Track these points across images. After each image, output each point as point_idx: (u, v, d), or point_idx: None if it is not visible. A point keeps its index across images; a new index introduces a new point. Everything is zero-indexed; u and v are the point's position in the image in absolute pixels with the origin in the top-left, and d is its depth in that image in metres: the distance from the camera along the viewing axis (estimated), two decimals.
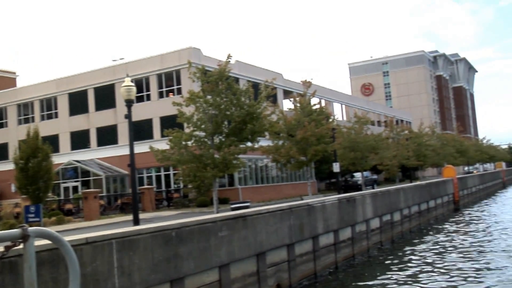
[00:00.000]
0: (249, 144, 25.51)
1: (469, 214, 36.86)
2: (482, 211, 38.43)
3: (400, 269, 17.50)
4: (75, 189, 46.95)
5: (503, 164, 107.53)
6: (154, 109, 47.59)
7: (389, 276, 16.54)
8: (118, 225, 23.48)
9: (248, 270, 13.07)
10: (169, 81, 48.03)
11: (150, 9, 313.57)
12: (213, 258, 11.65)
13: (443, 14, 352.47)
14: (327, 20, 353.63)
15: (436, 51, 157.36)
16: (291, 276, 14.97)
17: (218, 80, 23.93)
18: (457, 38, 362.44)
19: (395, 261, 19.14)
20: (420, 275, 16.27)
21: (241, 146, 24.89)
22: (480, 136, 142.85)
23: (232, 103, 24.11)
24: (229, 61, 25.43)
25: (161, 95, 48.45)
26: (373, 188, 44.27)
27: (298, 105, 34.25)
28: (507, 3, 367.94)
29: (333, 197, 19.52)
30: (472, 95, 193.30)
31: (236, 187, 45.32)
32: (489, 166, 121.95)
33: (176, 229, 10.65)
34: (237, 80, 45.66)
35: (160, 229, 10.25)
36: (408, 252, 21.27)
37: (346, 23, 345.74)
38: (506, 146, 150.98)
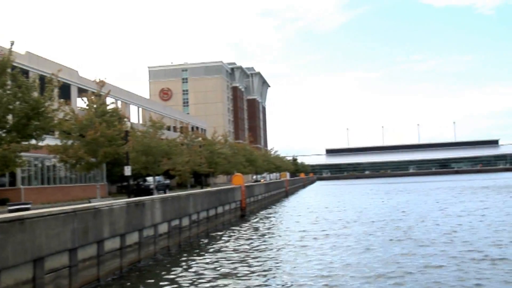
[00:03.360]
0: (33, 141, 23.79)
1: (254, 220, 38.82)
2: (265, 218, 40.70)
3: (184, 274, 17.68)
4: None
5: (287, 174, 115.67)
6: None
7: (173, 280, 16.61)
8: None
9: (23, 277, 12.13)
10: None
11: None
12: None
13: (248, 27, 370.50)
14: (135, 23, 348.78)
15: (234, 63, 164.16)
16: (71, 283, 14.26)
17: (1, 71, 21.93)
18: (260, 51, 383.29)
19: (180, 266, 19.31)
20: (203, 279, 16.59)
21: (24, 143, 23.11)
22: (269, 147, 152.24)
23: (16, 97, 22.27)
24: (12, 49, 23.42)
25: None
26: (165, 193, 44.43)
27: (94, 104, 32.99)
28: (306, 23, 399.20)
29: (121, 201, 19.09)
30: (264, 108, 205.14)
31: (18, 187, 42.10)
32: (275, 176, 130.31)
33: None
34: (27, 72, 42.65)
35: None
36: (193, 257, 21.61)
37: (151, 28, 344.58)
38: (290, 158, 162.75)
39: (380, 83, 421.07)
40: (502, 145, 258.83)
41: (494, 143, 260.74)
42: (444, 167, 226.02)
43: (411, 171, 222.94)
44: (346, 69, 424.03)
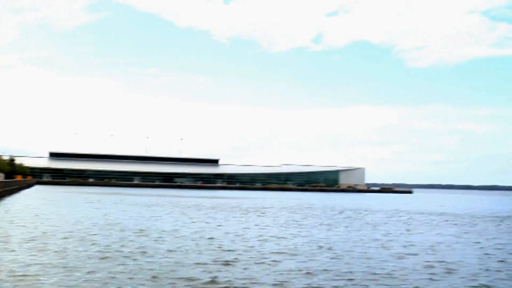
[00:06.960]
0: None
1: None
2: None
3: None
4: None
5: (2, 175, 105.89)
6: None
7: None
8: None
9: None
10: None
11: None
12: None
13: None
14: None
15: None
16: None
17: None
18: None
19: None
20: None
21: None
22: None
23: None
24: None
25: None
26: None
27: None
28: (44, 15, 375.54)
29: None
30: None
31: None
32: None
33: None
34: None
35: None
36: None
37: None
38: (8, 157, 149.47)
39: (115, 91, 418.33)
40: (222, 164, 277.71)
41: (214, 162, 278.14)
42: (168, 181, 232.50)
43: (135, 182, 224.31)
44: (79, 72, 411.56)
